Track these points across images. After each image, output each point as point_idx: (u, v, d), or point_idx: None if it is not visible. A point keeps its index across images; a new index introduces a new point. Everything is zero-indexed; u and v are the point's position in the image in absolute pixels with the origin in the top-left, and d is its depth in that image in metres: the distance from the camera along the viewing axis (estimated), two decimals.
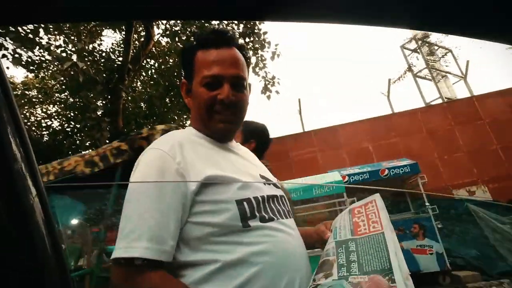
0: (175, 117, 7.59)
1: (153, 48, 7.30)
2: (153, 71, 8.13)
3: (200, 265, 0.61)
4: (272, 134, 1.74)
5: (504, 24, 0.40)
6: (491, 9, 0.37)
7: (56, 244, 0.58)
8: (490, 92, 7.61)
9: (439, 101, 9.08)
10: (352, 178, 5.66)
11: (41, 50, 5.80)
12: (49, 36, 6.62)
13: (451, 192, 6.76)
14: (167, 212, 0.61)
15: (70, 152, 7.78)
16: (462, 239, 5.73)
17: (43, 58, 5.92)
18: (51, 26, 6.01)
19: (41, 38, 5.75)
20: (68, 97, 6.98)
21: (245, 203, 0.65)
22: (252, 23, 6.26)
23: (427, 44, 11.05)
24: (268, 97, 6.94)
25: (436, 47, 11.07)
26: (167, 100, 7.15)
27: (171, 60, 7.58)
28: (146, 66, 8.15)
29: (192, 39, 0.81)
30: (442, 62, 11.02)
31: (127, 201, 0.64)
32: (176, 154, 0.66)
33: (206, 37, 0.77)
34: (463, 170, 6.96)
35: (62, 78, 5.83)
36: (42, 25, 5.23)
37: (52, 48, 4.92)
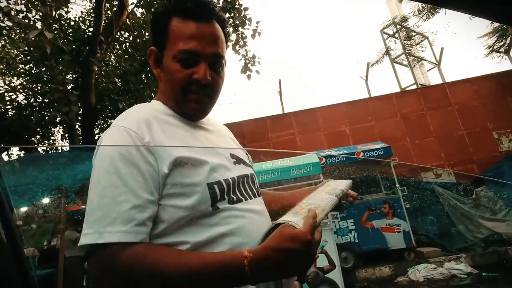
0: (152, 94, 7.28)
1: (127, 20, 6.84)
2: (127, 44, 7.66)
3: (170, 247, 0.59)
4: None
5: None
6: None
7: (8, 221, 0.52)
8: (460, 79, 7.95)
9: (414, 87, 9.39)
10: (329, 160, 5.82)
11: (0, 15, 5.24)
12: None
13: (420, 174, 7.16)
14: (141, 193, 0.57)
15: (38, 129, 7.32)
16: (427, 218, 6.15)
17: (2, 24, 5.37)
18: None
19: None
20: (33, 68, 6.44)
21: (215, 186, 0.64)
22: None
23: (405, 30, 11.23)
24: (249, 76, 6.80)
25: (413, 33, 11.28)
26: (143, 76, 6.81)
27: (147, 34, 7.16)
28: (120, 38, 7.66)
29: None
30: (418, 48, 11.30)
31: (95, 182, 0.58)
32: (144, 134, 0.62)
33: (185, 5, 0.69)
34: (432, 154, 7.36)
35: (26, 48, 5.32)
36: None
37: (12, 13, 4.42)
